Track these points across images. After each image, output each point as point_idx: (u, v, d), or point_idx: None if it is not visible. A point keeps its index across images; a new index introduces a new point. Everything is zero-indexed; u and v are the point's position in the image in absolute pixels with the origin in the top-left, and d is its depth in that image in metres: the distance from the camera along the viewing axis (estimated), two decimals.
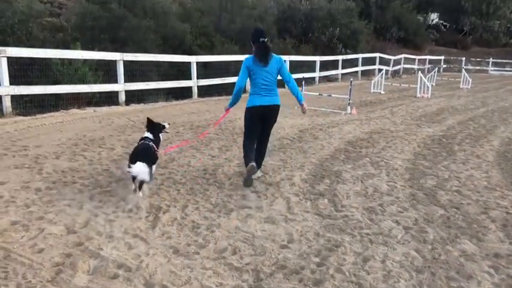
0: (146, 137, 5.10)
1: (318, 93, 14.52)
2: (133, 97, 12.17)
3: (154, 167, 4.97)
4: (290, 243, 4.04)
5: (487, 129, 10.03)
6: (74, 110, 10.25)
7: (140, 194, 4.82)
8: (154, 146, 5.01)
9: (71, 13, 15.24)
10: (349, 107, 11.97)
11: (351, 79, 13.07)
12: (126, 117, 9.74)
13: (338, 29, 24.62)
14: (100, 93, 11.28)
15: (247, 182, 5.40)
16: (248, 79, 5.46)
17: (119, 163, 6.16)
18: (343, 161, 6.76)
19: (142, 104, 11.94)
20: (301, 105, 5.56)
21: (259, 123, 5.43)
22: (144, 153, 4.76)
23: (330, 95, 14.20)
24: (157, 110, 11.13)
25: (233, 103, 5.65)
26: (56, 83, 10.37)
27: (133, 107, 11.45)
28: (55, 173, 5.66)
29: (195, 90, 13.79)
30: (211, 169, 6.07)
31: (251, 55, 5.42)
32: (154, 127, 5.24)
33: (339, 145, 7.88)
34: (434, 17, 45.85)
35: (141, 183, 4.75)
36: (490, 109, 13.75)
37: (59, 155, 6.47)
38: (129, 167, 4.57)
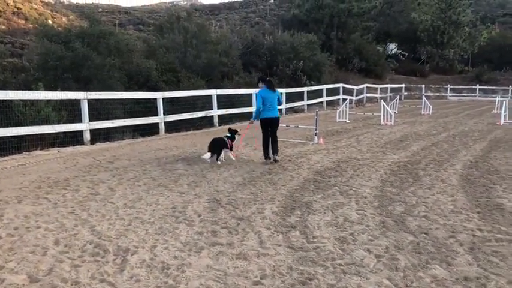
0: (226, 136, 9.20)
1: (285, 125, 14.70)
2: (98, 136, 11.98)
3: (226, 151, 9.09)
4: (263, 279, 3.98)
5: (449, 154, 10.35)
6: (37, 152, 9.97)
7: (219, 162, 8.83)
8: (228, 141, 9.11)
9: (32, 53, 15.06)
10: (316, 137, 12.15)
11: (317, 109, 13.31)
12: (92, 157, 9.55)
13: (302, 61, 25.31)
14: (64, 133, 11.05)
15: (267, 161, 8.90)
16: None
17: (84, 205, 5.99)
18: (313, 191, 6.80)
19: (107, 143, 11.76)
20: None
21: (269, 128, 8.97)
22: (219, 143, 8.96)
23: (297, 126, 14.40)
24: (124, 148, 10.98)
25: (256, 117, 8.94)
26: (18, 125, 10.11)
27: (99, 145, 11.25)
28: (17, 218, 5.44)
29: (162, 126, 13.72)
30: (180, 206, 5.98)
31: (262, 88, 8.91)
32: (232, 131, 9.30)
33: (308, 175, 7.93)
34: (393, 47, 47.94)
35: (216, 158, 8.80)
36: (451, 134, 14.24)
37: (21, 199, 6.24)
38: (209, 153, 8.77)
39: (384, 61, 39.90)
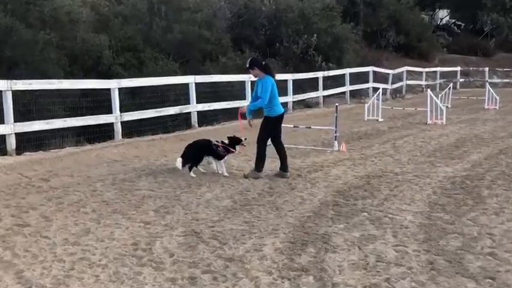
0: (221, 142, 9.41)
1: (292, 125, 14.73)
2: (28, 143, 11.95)
3: (215, 161, 9.43)
4: None
5: None
6: None
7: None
8: (221, 148, 9.31)
9: None
10: (336, 143, 12.17)
11: (336, 104, 13.34)
12: (18, 173, 9.52)
13: (315, 35, 25.43)
14: None
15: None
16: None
17: (7, 241, 5.95)
18: (332, 219, 6.80)
19: (41, 152, 11.73)
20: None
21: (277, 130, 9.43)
22: (198, 148, 9.41)
23: (309, 127, 14.43)
24: (64, 160, 10.96)
25: (251, 112, 9.45)
26: None
27: (28, 156, 11.22)
28: None
29: (118, 129, 13.71)
30: (144, 242, 5.96)
31: (267, 76, 9.12)
32: (234, 140, 9.52)
33: (325, 197, 7.93)
34: (443, 15, 47.93)
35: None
36: None
37: None
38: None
39: (432, 35, 39.97)
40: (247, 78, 17.35)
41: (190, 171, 9.16)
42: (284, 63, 24.41)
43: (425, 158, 11.12)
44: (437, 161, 10.77)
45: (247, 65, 9.32)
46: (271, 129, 9.33)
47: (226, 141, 9.43)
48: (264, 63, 9.42)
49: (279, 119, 9.30)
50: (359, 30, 32.81)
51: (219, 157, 9.34)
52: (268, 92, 9.00)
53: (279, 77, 20.94)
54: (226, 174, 9.29)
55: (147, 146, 12.83)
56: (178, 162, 9.17)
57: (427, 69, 33.33)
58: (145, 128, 14.73)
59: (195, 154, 9.26)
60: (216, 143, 9.32)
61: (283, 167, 9.35)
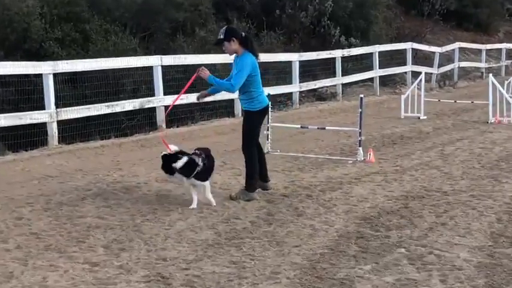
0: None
1: (299, 126, 14.73)
2: None
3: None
4: None
5: None
6: None
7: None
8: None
9: None
10: (360, 150, 12.20)
11: (361, 95, 13.32)
12: None
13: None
14: None
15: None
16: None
17: None
18: (356, 258, 6.80)
19: None
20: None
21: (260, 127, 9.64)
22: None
23: (323, 128, 14.42)
24: None
25: (215, 90, 9.73)
26: None
27: None
28: None
29: (53, 131, 13.65)
30: None
31: (247, 53, 9.06)
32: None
33: (346, 226, 7.94)
34: None
35: None
36: None
37: None
38: None
39: None
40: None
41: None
42: (287, 38, 24.45)
43: (486, 171, 11.15)
44: (503, 176, 10.79)
45: (221, 36, 9.16)
46: (257, 127, 9.45)
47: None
48: (243, 34, 9.36)
49: (265, 112, 9.58)
50: None
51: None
52: (244, 75, 8.97)
53: (280, 57, 21.02)
54: (212, 202, 8.91)
55: (94, 155, 12.80)
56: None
57: (488, 46, 33.39)
58: (92, 130, 14.71)
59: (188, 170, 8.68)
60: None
61: (250, 182, 9.32)
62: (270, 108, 10.75)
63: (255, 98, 9.16)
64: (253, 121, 9.29)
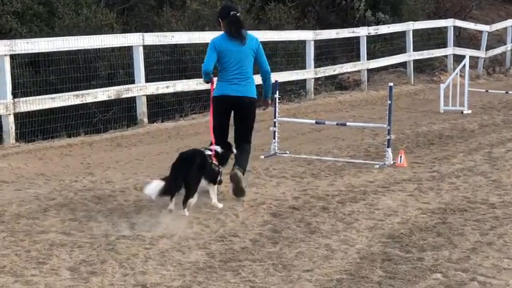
0: (207, 149, 9.72)
1: (314, 121, 14.73)
2: None
3: (207, 185, 9.57)
4: None
5: None
6: None
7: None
8: (213, 158, 9.61)
9: None
10: (389, 151, 12.21)
11: (391, 84, 13.31)
12: None
13: None
14: None
15: (238, 192, 9.79)
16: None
17: None
18: (381, 285, 6.82)
19: None
20: (266, 99, 10.64)
21: (225, 117, 10.21)
22: (191, 165, 9.26)
23: (344, 124, 14.40)
24: None
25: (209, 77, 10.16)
26: None
27: None
28: None
29: (9, 126, 13.68)
30: None
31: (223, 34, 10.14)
32: (226, 146, 9.96)
33: (370, 245, 7.94)
34: None
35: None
36: None
37: None
38: None
39: None
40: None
41: (184, 206, 8.98)
42: (300, 11, 24.46)
43: None
44: None
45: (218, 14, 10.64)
46: (213, 117, 10.18)
47: (216, 149, 9.67)
48: (231, 13, 10.17)
49: (218, 103, 10.13)
50: None
51: (213, 178, 9.43)
52: (206, 57, 10.06)
53: (291, 35, 20.95)
54: (219, 206, 9.36)
55: (59, 156, 12.82)
56: (154, 187, 8.87)
57: None
58: (57, 125, 14.73)
59: (193, 176, 9.10)
60: (207, 151, 9.54)
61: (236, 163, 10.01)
62: (277, 100, 12.19)
63: (217, 83, 10.17)
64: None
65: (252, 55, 10.12)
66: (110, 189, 10.14)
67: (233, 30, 9.91)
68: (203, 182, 9.28)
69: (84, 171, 11.37)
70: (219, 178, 9.53)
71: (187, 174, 9.00)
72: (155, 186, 8.84)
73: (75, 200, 9.64)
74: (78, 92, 15.08)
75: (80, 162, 12.19)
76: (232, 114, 10.22)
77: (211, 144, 9.80)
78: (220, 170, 9.58)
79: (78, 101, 15.06)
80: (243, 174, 9.81)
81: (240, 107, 10.01)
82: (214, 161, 9.47)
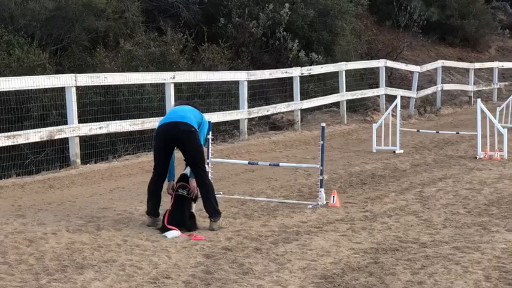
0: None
1: (247, 161, 14.73)
2: None
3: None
4: None
5: None
6: None
7: None
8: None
9: None
10: (322, 192, 12.20)
11: (323, 124, 13.36)
12: None
13: (287, 6, 25.59)
14: None
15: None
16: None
17: None
18: None
19: None
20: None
21: (166, 150, 10.56)
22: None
23: (277, 165, 14.42)
24: None
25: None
26: None
27: None
28: None
29: None
30: None
31: None
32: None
33: (302, 286, 7.91)
34: None
35: None
36: None
37: None
38: None
39: (484, 7, 40.41)
40: (170, 77, 17.26)
41: (190, 230, 9.99)
42: (233, 52, 24.49)
43: (474, 218, 11.22)
44: (493, 223, 10.86)
45: None
46: (154, 151, 11.12)
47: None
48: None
49: (157, 136, 10.80)
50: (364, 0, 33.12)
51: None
52: None
53: (225, 76, 20.94)
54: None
55: None
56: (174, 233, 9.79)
57: (477, 65, 33.65)
58: None
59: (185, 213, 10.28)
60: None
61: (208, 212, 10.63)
62: (210, 141, 12.20)
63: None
64: None
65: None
66: (41, 231, 9.98)
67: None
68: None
69: (15, 214, 11.20)
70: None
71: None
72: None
73: (5, 242, 9.48)
74: (9, 133, 14.86)
75: (10, 204, 12.01)
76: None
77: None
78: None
79: (9, 142, 14.84)
80: (217, 217, 10.41)
81: (177, 136, 10.44)
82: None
